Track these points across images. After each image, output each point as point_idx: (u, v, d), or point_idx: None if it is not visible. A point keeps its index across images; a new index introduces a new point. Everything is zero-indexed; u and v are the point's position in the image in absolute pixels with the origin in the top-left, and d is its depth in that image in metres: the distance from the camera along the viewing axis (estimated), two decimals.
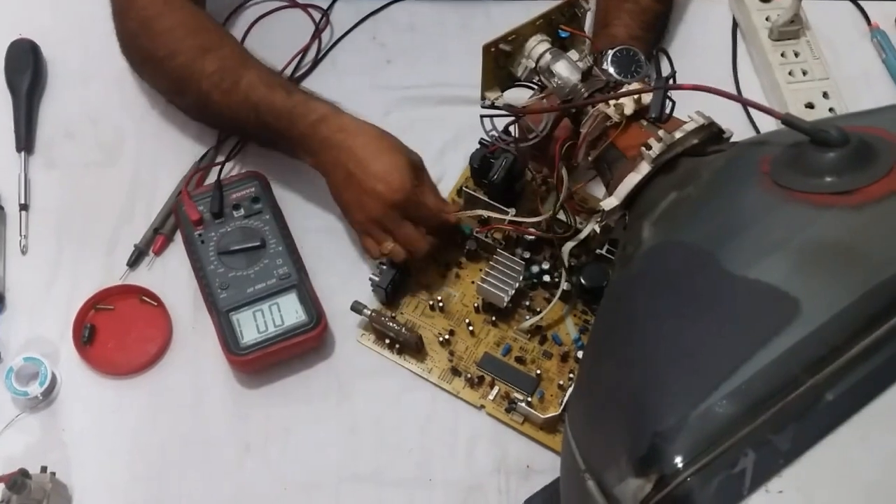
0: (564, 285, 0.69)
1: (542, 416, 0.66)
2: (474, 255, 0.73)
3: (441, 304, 0.72)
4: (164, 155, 0.78)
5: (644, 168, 0.59)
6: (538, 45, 0.64)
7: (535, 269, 0.72)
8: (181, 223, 0.74)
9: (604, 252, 0.70)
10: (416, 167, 0.68)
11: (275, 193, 0.76)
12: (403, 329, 0.68)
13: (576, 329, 0.71)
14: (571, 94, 0.63)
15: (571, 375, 0.69)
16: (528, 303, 0.72)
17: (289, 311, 0.70)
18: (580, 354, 0.69)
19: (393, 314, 0.71)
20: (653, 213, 0.57)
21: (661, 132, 0.59)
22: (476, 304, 0.72)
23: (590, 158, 0.64)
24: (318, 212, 0.76)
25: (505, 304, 0.69)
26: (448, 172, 0.76)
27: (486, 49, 0.64)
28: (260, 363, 0.69)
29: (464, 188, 0.72)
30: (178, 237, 0.75)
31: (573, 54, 0.65)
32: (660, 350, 0.47)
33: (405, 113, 0.79)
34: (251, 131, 0.71)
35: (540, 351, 0.70)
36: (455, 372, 0.70)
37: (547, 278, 0.72)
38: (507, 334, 0.71)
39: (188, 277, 0.73)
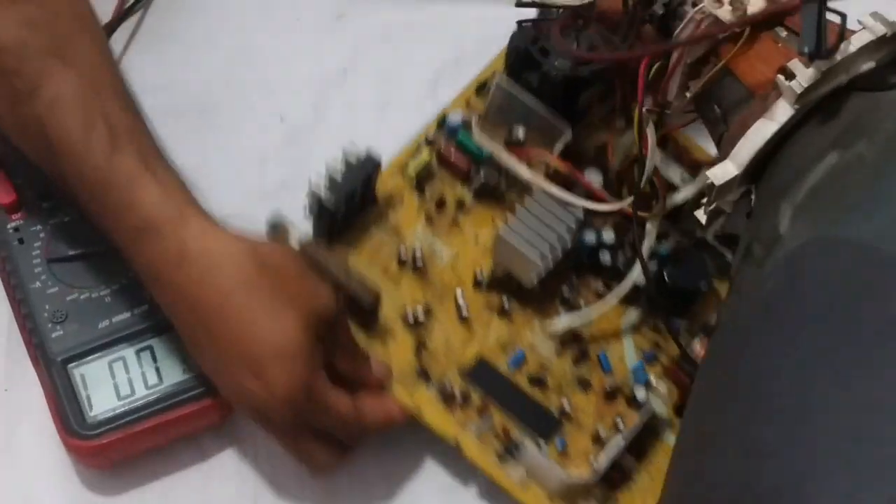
0: (635, 276, 0.70)
1: (561, 476, 0.67)
2: (489, 193, 0.74)
3: (419, 261, 0.72)
4: None
5: (782, 111, 0.60)
6: None
7: (589, 237, 0.72)
8: None
9: (709, 237, 0.71)
10: (318, 331, 0.65)
11: None
12: (351, 276, 0.68)
13: (638, 354, 0.73)
14: None
15: (620, 425, 0.70)
16: (568, 290, 0.73)
17: (172, 360, 0.70)
18: (639, 396, 0.71)
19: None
20: (797, 188, 0.58)
21: None
22: (479, 273, 0.73)
23: (689, 94, 0.65)
24: (235, 195, 0.76)
25: (533, 283, 0.70)
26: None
27: None
28: (121, 451, 0.69)
29: (495, 84, 0.72)
30: None
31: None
32: (816, 426, 0.49)
33: (370, 15, 0.80)
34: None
35: (573, 375, 0.72)
36: (423, 376, 0.70)
37: (607, 258, 0.73)
38: (523, 335, 0.72)
39: None
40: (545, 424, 0.69)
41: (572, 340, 0.72)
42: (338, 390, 0.66)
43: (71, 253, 0.72)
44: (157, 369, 0.69)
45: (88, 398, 0.68)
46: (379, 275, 0.71)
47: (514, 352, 0.71)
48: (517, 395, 0.70)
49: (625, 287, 0.70)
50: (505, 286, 0.72)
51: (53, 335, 0.70)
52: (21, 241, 0.72)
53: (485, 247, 0.72)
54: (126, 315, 0.70)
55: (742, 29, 0.61)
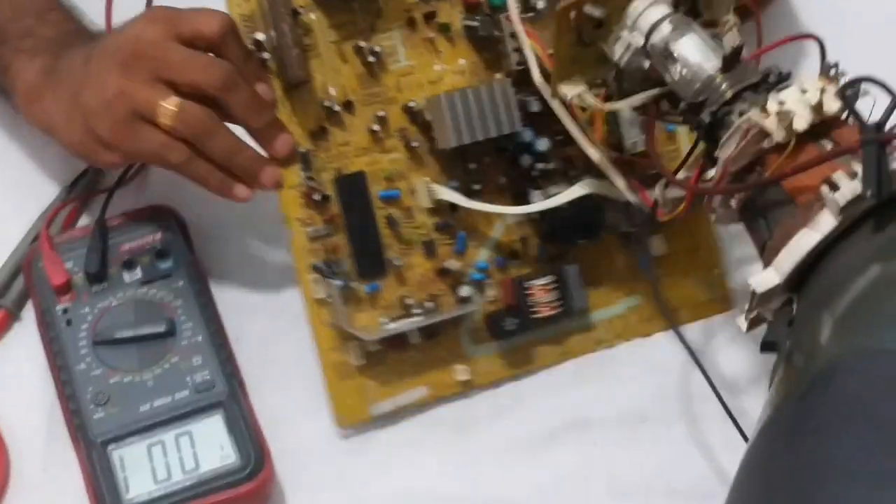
0: (535, 206, 0.74)
1: (342, 320, 0.70)
2: (476, 39, 0.75)
3: (373, 56, 0.74)
4: (11, 178, 0.80)
5: (826, 222, 0.60)
6: (650, 10, 0.65)
7: (526, 136, 0.74)
8: (35, 289, 0.75)
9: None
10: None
11: (195, 245, 0.77)
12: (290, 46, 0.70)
13: (493, 255, 0.75)
14: (705, 92, 0.64)
15: (431, 305, 0.73)
16: (474, 167, 0.75)
17: (210, 445, 0.70)
18: (464, 292, 0.74)
19: None
20: (839, 300, 0.57)
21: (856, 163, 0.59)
22: (415, 104, 0.74)
23: (733, 204, 0.64)
24: (267, 277, 0.77)
25: (447, 147, 0.72)
26: None
27: (563, 13, 0.64)
28: None
29: None
30: (30, 312, 0.76)
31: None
32: None
33: None
34: None
35: (427, 236, 0.74)
36: (303, 161, 0.72)
37: (527, 161, 0.75)
38: (411, 178, 0.74)
39: (42, 381, 0.73)
40: (370, 264, 0.72)
41: (449, 209, 0.74)
42: (190, 103, 0.68)
43: (117, 336, 0.72)
44: (195, 454, 0.69)
45: (126, 480, 0.69)
46: (333, 48, 0.72)
47: (392, 187, 0.73)
48: (366, 224, 0.72)
49: (519, 210, 0.73)
50: (426, 130, 0.73)
51: (95, 417, 0.70)
52: (69, 322, 0.73)
53: (437, 83, 0.73)
54: (167, 399, 0.71)
55: (788, 139, 0.61)
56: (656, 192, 0.69)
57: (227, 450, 0.70)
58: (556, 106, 0.70)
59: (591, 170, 0.73)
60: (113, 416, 0.70)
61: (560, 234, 0.75)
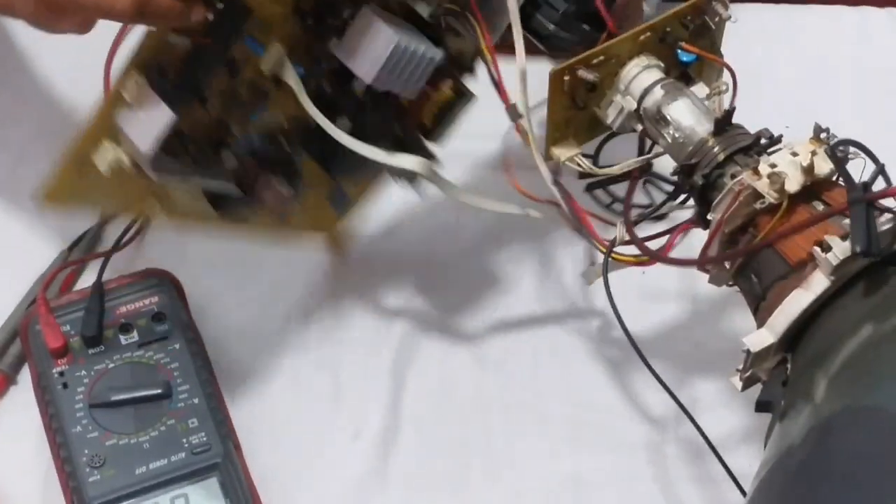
0: None
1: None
2: None
3: None
4: (9, 242, 0.80)
5: (819, 283, 0.60)
6: (643, 74, 0.66)
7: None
8: (32, 353, 0.74)
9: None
10: None
11: (192, 308, 0.77)
12: None
13: None
14: (698, 155, 0.64)
15: None
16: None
17: None
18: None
19: None
20: (832, 359, 0.57)
21: (847, 221, 0.59)
22: None
23: (727, 266, 0.65)
24: (264, 340, 0.77)
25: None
26: None
27: (556, 76, 0.65)
28: None
29: None
30: (26, 375, 0.75)
31: (699, 90, 0.66)
32: None
33: None
34: None
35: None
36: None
37: None
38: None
39: (38, 445, 0.73)
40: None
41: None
42: None
43: (113, 399, 0.72)
44: None
45: None
46: None
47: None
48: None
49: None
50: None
51: (90, 479, 0.69)
52: (65, 385, 0.72)
53: None
54: (163, 462, 0.70)
55: (779, 200, 0.61)
56: (617, 233, 0.68)
57: None
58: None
59: None
60: (109, 478, 0.70)
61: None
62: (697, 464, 0.73)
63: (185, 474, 0.70)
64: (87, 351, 0.74)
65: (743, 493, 0.68)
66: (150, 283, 0.76)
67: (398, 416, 0.76)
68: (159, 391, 0.72)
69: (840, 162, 0.62)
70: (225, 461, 0.71)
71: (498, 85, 0.66)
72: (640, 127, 0.67)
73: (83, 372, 0.73)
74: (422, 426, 0.75)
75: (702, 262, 0.65)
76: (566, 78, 0.65)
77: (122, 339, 0.74)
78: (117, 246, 0.79)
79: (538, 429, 0.76)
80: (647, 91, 0.66)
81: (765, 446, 0.61)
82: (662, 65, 0.66)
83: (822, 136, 0.64)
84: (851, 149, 0.64)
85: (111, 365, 0.74)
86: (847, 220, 0.59)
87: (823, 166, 0.62)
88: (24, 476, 0.73)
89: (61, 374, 0.73)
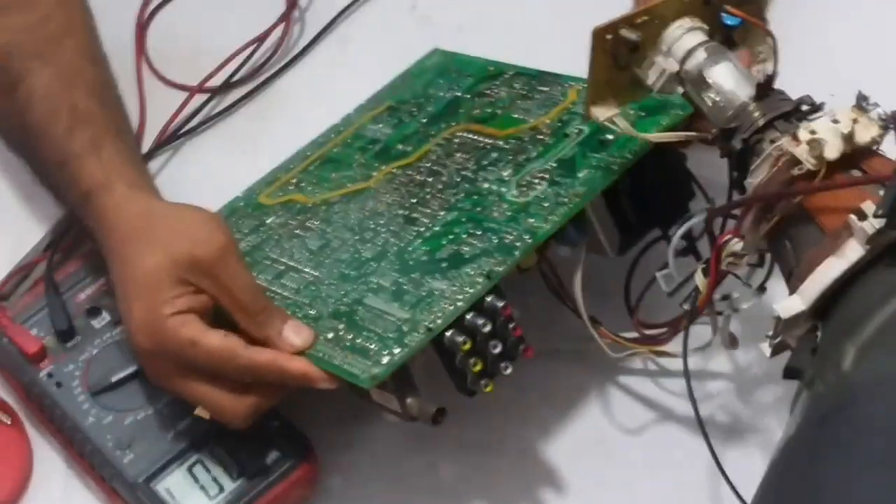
0: None
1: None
2: None
3: None
4: None
5: (853, 251, 0.60)
6: (686, 36, 0.66)
7: None
8: (7, 367, 0.74)
9: None
10: (183, 270, 0.67)
11: None
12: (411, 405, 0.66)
13: None
14: (738, 119, 0.64)
15: None
16: None
17: (249, 448, 0.70)
18: None
19: None
20: (864, 328, 0.57)
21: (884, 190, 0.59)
22: None
23: (761, 232, 0.64)
24: None
25: None
26: None
27: (599, 35, 0.65)
28: None
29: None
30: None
31: (742, 55, 0.66)
32: None
33: None
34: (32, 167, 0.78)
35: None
36: None
37: None
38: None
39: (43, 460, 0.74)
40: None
41: None
42: (215, 331, 0.66)
43: (112, 380, 0.72)
44: (237, 460, 0.69)
45: None
46: None
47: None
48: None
49: None
50: None
51: (125, 460, 0.70)
52: (59, 384, 0.73)
53: None
54: (187, 420, 0.70)
55: (818, 168, 0.61)
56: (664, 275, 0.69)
57: (267, 444, 0.70)
58: None
59: None
60: (143, 453, 0.70)
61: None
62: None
63: (213, 425, 0.69)
64: (64, 346, 0.74)
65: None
66: (98, 261, 0.75)
67: None
68: None
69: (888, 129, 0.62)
70: None
71: None
72: (680, 90, 0.67)
73: (71, 366, 0.73)
74: None
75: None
76: (608, 37, 0.65)
77: (94, 323, 0.75)
78: (57, 239, 0.80)
79: None
80: (689, 53, 0.65)
81: (790, 412, 0.61)
82: (706, 27, 0.66)
83: (864, 104, 0.63)
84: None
85: (95, 350, 0.74)
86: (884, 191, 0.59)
87: (864, 134, 0.62)
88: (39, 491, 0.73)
89: (50, 374, 0.73)
